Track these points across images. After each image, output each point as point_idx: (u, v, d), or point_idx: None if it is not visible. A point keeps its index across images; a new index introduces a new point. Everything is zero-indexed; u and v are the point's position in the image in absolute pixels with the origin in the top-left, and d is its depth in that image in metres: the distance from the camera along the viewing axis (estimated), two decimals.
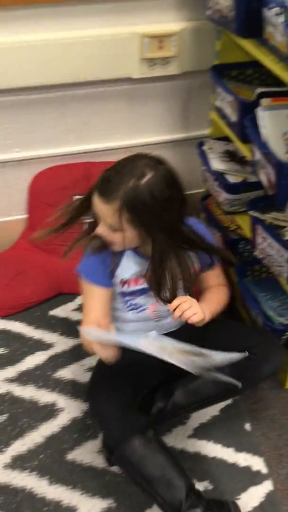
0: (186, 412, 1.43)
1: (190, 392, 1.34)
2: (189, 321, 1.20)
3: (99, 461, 1.39)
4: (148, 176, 1.14)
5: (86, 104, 1.82)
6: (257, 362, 1.29)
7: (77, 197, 1.91)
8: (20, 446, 1.43)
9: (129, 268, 1.29)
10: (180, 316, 1.19)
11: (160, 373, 1.37)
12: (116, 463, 1.31)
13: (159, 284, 1.24)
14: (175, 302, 1.21)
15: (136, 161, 1.17)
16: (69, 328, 1.75)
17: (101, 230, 1.21)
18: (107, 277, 1.28)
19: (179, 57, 1.76)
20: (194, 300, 1.23)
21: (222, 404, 1.49)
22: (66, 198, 1.90)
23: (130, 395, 1.28)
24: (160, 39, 1.71)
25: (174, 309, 1.20)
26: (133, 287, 1.30)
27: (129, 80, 1.79)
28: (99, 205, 1.18)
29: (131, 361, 1.20)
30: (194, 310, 1.20)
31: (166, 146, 1.99)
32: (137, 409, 1.28)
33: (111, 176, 1.16)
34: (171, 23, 1.72)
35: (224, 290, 1.39)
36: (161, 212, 1.16)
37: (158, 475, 1.20)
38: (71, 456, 1.40)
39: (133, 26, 1.68)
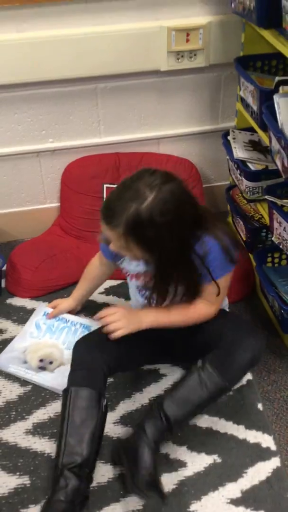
0: (185, 423, 1.38)
1: (180, 402, 1.32)
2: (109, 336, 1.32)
3: (114, 432, 1.46)
4: (149, 200, 1.14)
5: (117, 96, 1.90)
6: (231, 349, 1.31)
7: (107, 185, 2.01)
8: (41, 414, 1.52)
9: (135, 265, 1.38)
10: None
11: (147, 351, 1.47)
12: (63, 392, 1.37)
13: (158, 294, 1.33)
14: (102, 313, 1.34)
15: (139, 181, 1.17)
16: (96, 310, 1.82)
17: (112, 247, 1.28)
18: (114, 256, 1.41)
19: (206, 50, 1.82)
20: (123, 314, 1.34)
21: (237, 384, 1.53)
22: (96, 186, 2.01)
23: (112, 357, 1.37)
24: (187, 32, 1.77)
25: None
26: (135, 282, 1.41)
27: (157, 72, 1.85)
28: (105, 230, 1.23)
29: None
30: (118, 326, 1.32)
31: (194, 138, 2.04)
32: (104, 372, 1.35)
33: (113, 202, 1.19)
34: (198, 17, 1.77)
35: (202, 307, 1.36)
36: (165, 233, 1.17)
37: (76, 428, 1.28)
38: None
39: (161, 20, 1.75)
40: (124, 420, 1.49)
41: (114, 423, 1.49)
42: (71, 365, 1.40)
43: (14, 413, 1.53)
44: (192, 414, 1.37)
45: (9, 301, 1.89)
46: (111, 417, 1.49)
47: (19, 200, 2.07)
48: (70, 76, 1.80)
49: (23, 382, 1.60)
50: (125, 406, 1.53)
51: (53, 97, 1.84)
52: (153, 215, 1.14)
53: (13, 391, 1.58)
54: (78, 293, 1.72)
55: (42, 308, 1.75)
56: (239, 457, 1.40)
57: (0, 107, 1.83)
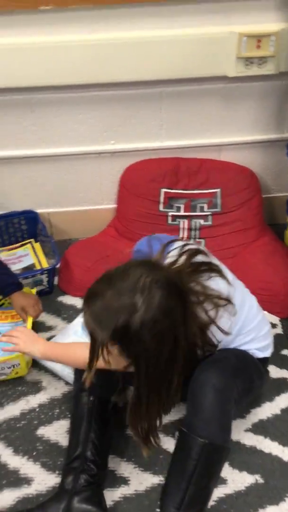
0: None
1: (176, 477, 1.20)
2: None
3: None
4: (141, 311, 1.01)
5: (181, 100, 1.88)
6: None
7: (165, 190, 2.00)
8: None
9: None
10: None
11: None
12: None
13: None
14: (10, 331, 1.45)
15: (126, 283, 1.04)
16: None
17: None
18: None
19: (276, 57, 1.77)
20: (25, 335, 1.41)
21: (284, 404, 1.48)
22: (154, 190, 2.00)
23: None
24: (258, 38, 1.73)
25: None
26: None
27: (224, 78, 1.82)
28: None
29: None
30: (13, 340, 1.40)
31: (257, 146, 2.00)
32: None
33: (100, 307, 1.05)
34: (271, 23, 1.73)
35: None
36: (157, 343, 1.05)
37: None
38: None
39: (231, 26, 1.71)
40: None
41: None
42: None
43: (57, 410, 1.53)
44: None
45: (60, 298, 1.90)
46: None
47: (76, 200, 2.08)
48: (136, 79, 1.80)
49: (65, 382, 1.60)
50: None
51: (118, 99, 1.85)
52: (145, 328, 1.02)
53: (58, 389, 1.59)
54: None
55: None
56: (282, 479, 1.35)
57: (65, 107, 1.85)
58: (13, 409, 1.54)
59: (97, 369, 1.19)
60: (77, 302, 1.88)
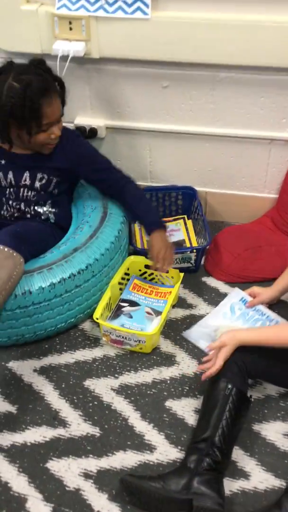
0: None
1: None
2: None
3: (283, 442, 1.41)
4: None
5: None
6: None
7: None
8: None
9: None
10: None
11: None
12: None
13: None
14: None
15: None
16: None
17: None
18: None
19: None
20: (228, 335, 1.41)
21: None
22: None
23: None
24: None
25: None
26: None
27: None
28: None
29: None
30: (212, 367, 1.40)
31: None
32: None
33: None
34: None
35: None
36: None
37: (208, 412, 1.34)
38: (258, 428, 1.45)
39: None
40: None
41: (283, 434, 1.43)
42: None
43: (187, 388, 1.55)
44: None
45: (204, 279, 1.91)
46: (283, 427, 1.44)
47: (238, 184, 2.05)
48: None
49: (201, 361, 1.61)
50: None
51: None
52: None
53: (190, 367, 1.61)
54: (282, 284, 1.67)
55: (239, 293, 1.73)
56: None
57: (248, 88, 1.80)
58: (146, 376, 1.58)
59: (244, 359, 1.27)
60: (220, 286, 1.87)
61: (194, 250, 1.86)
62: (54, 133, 1.65)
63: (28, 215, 1.75)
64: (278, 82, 1.77)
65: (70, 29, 1.75)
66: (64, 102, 1.68)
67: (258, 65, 1.72)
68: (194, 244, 1.96)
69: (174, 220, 2.09)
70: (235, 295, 1.73)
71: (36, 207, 1.75)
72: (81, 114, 2.01)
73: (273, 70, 1.73)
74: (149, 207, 1.82)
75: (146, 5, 1.65)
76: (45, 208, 1.75)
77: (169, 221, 2.08)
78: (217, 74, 1.80)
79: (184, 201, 2.09)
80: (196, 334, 1.68)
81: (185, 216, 2.09)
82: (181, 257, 1.86)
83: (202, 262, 1.95)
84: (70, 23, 1.74)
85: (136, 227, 1.99)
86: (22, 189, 1.73)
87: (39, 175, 1.72)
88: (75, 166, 1.75)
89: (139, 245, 1.92)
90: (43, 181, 1.73)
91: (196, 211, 2.03)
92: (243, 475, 1.36)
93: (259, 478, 1.35)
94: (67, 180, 1.80)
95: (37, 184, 1.72)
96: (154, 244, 1.70)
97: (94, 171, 1.78)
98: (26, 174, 1.72)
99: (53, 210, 1.77)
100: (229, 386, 1.35)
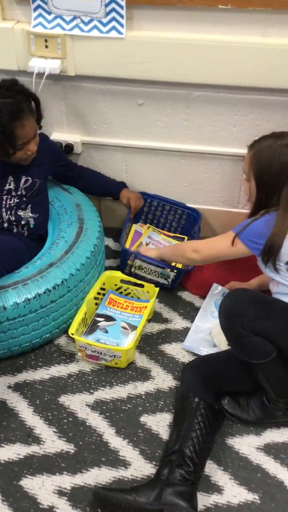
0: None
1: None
2: None
3: (255, 456, 1.43)
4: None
5: None
6: None
7: None
8: None
9: None
10: None
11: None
12: None
13: None
14: None
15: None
16: None
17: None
18: None
19: None
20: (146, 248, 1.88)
21: None
22: None
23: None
24: None
25: None
26: None
27: None
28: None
29: None
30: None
31: None
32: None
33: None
34: None
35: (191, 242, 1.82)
36: None
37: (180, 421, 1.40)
38: (231, 442, 1.46)
39: None
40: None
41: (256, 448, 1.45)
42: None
43: (162, 403, 1.56)
44: None
45: (179, 293, 1.93)
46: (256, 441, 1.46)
47: (213, 199, 2.08)
48: None
49: (176, 375, 1.62)
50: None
51: (278, 105, 1.80)
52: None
53: (165, 382, 1.62)
54: (257, 282, 1.78)
55: (219, 288, 1.79)
56: (279, 507, 1.31)
57: (221, 106, 1.84)
58: (121, 391, 1.59)
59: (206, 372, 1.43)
60: (196, 300, 1.89)
61: (175, 270, 1.86)
62: (30, 149, 1.69)
63: (6, 224, 1.77)
64: (250, 100, 1.81)
65: (46, 46, 1.77)
66: (40, 116, 1.73)
67: (231, 85, 1.76)
68: (179, 265, 1.95)
69: (175, 237, 2.11)
70: (216, 291, 1.79)
71: (18, 211, 1.78)
72: (58, 130, 2.02)
73: (245, 89, 1.78)
74: (106, 177, 2.05)
75: (121, 24, 1.68)
76: (25, 212, 1.78)
77: (170, 236, 2.10)
78: (191, 92, 1.83)
79: (187, 222, 2.09)
80: (195, 344, 1.69)
81: (186, 238, 2.10)
82: (160, 272, 1.87)
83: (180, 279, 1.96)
84: (46, 41, 1.76)
85: (133, 227, 2.08)
86: (5, 196, 1.77)
87: (23, 178, 1.77)
88: (51, 162, 1.86)
89: (127, 245, 2.00)
90: (28, 184, 1.78)
91: (194, 234, 2.03)
92: (217, 489, 1.36)
93: (232, 492, 1.36)
94: (45, 179, 1.87)
95: (21, 187, 1.77)
96: (131, 196, 2.00)
97: (62, 166, 1.94)
98: (10, 179, 1.76)
99: (33, 215, 1.80)
100: (196, 399, 1.38)
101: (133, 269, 1.91)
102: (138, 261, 1.87)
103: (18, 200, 1.78)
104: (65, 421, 1.51)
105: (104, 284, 1.83)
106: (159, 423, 1.51)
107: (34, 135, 1.70)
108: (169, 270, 1.85)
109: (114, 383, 1.61)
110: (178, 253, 1.73)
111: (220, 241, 1.57)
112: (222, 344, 1.61)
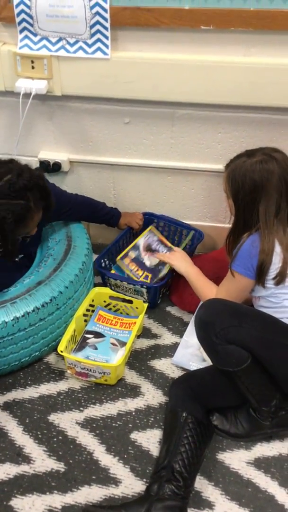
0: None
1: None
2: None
3: (246, 471, 1.43)
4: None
5: None
6: None
7: None
8: None
9: None
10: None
11: None
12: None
13: None
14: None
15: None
16: None
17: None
18: None
19: None
20: (182, 255, 1.83)
21: None
22: None
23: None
24: None
25: None
26: None
27: None
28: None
29: None
30: (168, 256, 1.85)
31: None
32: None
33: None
34: None
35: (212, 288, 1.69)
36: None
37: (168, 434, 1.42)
38: (221, 457, 1.47)
39: None
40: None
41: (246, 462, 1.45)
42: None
43: (152, 419, 1.56)
44: None
45: (168, 309, 1.94)
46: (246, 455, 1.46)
47: (200, 215, 2.11)
48: (284, 105, 1.77)
49: (166, 391, 1.63)
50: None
51: (260, 122, 1.84)
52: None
53: (155, 398, 1.62)
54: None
55: None
56: None
57: (206, 124, 1.88)
58: (111, 408, 1.59)
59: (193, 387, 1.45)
60: (185, 315, 1.91)
61: (145, 286, 1.85)
62: (30, 234, 1.66)
63: None
64: (234, 118, 1.84)
65: (33, 67, 1.79)
66: (51, 206, 1.62)
67: (214, 103, 1.80)
68: (147, 280, 1.92)
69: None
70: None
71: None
72: (45, 149, 2.04)
73: (228, 107, 1.81)
74: (99, 207, 2.00)
75: (106, 45, 1.72)
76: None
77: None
78: (176, 111, 1.86)
79: (191, 243, 2.07)
80: (184, 359, 1.70)
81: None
82: (134, 289, 1.87)
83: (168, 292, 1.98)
84: (32, 62, 1.78)
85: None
86: None
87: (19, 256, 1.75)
88: (56, 217, 1.85)
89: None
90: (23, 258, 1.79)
91: (193, 253, 2.04)
92: (208, 505, 1.36)
93: (223, 508, 1.36)
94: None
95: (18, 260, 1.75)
96: (129, 221, 2.05)
97: (64, 212, 1.86)
98: None
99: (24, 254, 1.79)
100: (184, 414, 1.39)
101: (112, 287, 1.91)
102: (112, 279, 1.88)
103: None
104: (55, 439, 1.51)
105: (93, 300, 1.84)
106: (150, 440, 1.51)
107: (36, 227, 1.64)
108: (139, 286, 1.85)
109: (104, 400, 1.61)
110: (200, 290, 1.70)
111: (225, 281, 1.58)
112: None
